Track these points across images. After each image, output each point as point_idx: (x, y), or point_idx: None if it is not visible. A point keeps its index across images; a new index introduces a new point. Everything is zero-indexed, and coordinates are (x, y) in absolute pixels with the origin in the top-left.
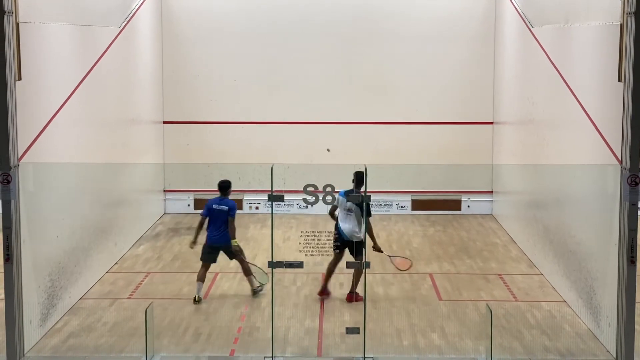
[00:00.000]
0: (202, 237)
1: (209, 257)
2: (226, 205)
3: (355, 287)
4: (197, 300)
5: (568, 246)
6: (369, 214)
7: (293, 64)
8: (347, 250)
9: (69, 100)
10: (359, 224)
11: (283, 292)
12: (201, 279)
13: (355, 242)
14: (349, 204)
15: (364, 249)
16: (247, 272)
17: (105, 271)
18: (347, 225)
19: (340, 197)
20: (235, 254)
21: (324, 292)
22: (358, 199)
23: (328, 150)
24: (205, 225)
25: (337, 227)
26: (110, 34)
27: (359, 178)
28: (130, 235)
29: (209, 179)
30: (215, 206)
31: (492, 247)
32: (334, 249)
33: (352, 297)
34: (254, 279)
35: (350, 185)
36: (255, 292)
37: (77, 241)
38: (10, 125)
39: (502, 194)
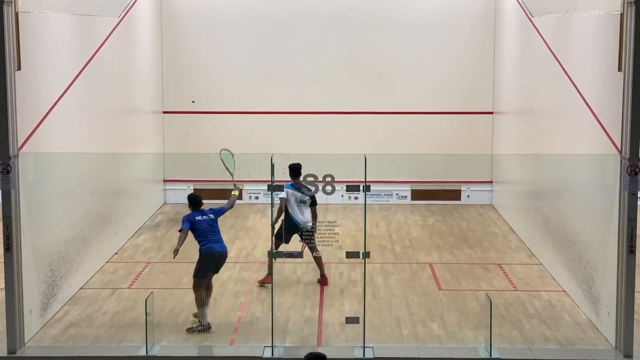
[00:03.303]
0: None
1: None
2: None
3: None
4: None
5: (567, 236)
6: (315, 203)
7: (293, 53)
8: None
9: (69, 90)
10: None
11: (283, 281)
12: None
13: (305, 230)
14: (299, 194)
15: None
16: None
17: (105, 261)
18: (302, 216)
19: (291, 190)
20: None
21: (267, 279)
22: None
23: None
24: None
25: (290, 219)
26: (109, 23)
27: (295, 169)
28: (130, 225)
29: (208, 169)
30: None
31: (491, 237)
32: (284, 241)
33: (326, 279)
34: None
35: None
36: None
37: (77, 231)
38: (10, 115)
39: (501, 184)
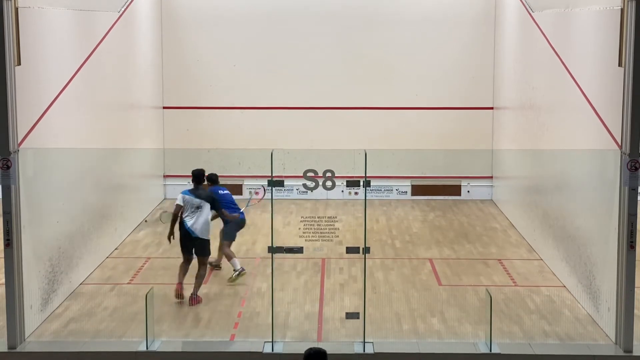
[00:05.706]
0: None
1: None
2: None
3: (197, 290)
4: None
5: (568, 231)
6: (219, 207)
7: (293, 48)
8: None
9: (69, 86)
10: (207, 221)
11: (283, 277)
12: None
13: (203, 239)
14: (197, 200)
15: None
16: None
17: (105, 256)
18: (197, 224)
19: (187, 196)
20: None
21: (182, 296)
22: (206, 194)
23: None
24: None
25: (184, 226)
26: (109, 18)
27: (198, 176)
28: (131, 220)
29: (208, 164)
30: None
31: (491, 232)
32: (186, 252)
33: (195, 299)
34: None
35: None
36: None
37: (77, 226)
38: (10, 110)
39: (502, 179)
